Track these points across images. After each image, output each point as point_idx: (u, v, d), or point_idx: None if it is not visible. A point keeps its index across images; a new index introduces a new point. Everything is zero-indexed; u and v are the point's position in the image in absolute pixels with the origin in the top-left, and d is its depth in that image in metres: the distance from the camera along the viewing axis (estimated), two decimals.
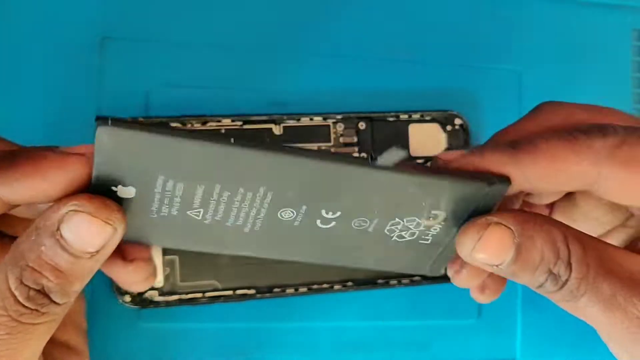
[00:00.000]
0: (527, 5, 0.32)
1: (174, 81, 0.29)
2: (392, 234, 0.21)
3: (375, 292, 0.30)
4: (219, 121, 0.28)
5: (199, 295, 0.28)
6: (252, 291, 0.29)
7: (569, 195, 0.23)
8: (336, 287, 0.29)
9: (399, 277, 0.30)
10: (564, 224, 0.19)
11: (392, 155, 0.18)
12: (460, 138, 0.30)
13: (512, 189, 0.20)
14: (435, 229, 0.21)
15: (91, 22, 0.28)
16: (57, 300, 0.18)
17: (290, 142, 0.29)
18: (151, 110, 0.28)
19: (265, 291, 0.29)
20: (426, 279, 0.30)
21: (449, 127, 0.30)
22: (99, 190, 0.18)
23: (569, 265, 0.18)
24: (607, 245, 0.19)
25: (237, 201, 0.19)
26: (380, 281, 0.30)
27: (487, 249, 0.19)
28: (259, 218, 0.19)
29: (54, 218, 0.17)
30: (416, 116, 0.30)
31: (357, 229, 0.20)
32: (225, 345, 0.29)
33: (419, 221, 0.20)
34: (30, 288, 0.17)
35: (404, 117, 0.30)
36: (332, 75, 0.30)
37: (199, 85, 0.29)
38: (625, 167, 0.19)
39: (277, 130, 0.29)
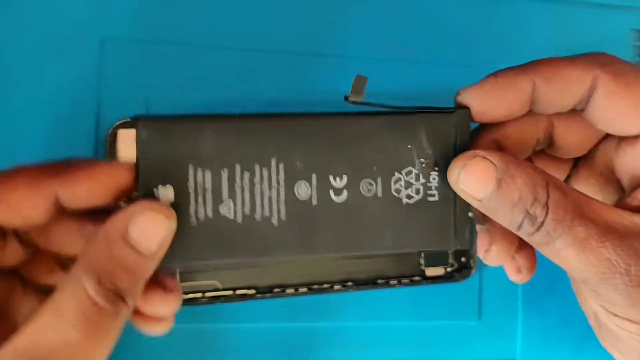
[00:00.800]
0: (526, 5, 0.32)
1: (174, 82, 0.29)
2: (400, 194, 0.22)
3: (375, 292, 0.30)
4: None
5: (199, 295, 0.28)
6: (252, 291, 0.29)
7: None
8: (336, 287, 0.29)
9: (399, 276, 0.30)
10: (550, 174, 0.20)
11: (358, 84, 0.21)
12: None
13: (524, 98, 0.21)
14: (435, 179, 0.22)
15: (91, 23, 0.28)
16: (128, 301, 0.19)
17: None
18: (152, 111, 0.29)
19: (266, 291, 0.29)
20: (426, 279, 0.30)
21: None
22: (144, 192, 0.20)
23: (546, 207, 0.19)
24: (589, 197, 0.20)
25: (257, 182, 0.21)
26: (380, 281, 0.30)
27: (470, 179, 0.20)
28: (281, 202, 0.21)
29: (123, 223, 0.19)
30: None
31: (368, 196, 0.22)
32: (225, 344, 0.29)
33: (416, 171, 0.22)
34: (108, 290, 0.19)
35: None
36: (333, 75, 0.30)
37: (199, 86, 0.29)
38: (614, 78, 0.20)
39: None
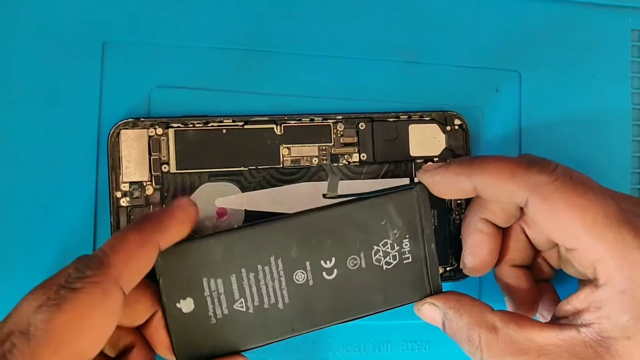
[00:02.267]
0: (527, 5, 0.32)
1: (175, 82, 0.29)
2: (381, 263, 0.26)
3: None
4: (221, 122, 0.29)
5: None
6: None
7: None
8: None
9: None
10: (487, 314, 0.24)
11: (332, 183, 0.26)
12: (459, 138, 0.30)
13: (468, 193, 0.25)
14: (407, 245, 0.26)
15: (93, 25, 0.29)
16: None
17: (291, 142, 0.29)
18: (153, 111, 0.29)
19: None
20: None
21: (448, 127, 0.30)
22: (171, 309, 0.25)
23: (479, 347, 0.24)
24: (525, 324, 0.23)
25: (261, 278, 0.25)
26: None
27: (424, 319, 0.26)
28: (283, 288, 0.25)
29: None
30: (416, 116, 0.30)
31: (354, 269, 0.26)
32: None
33: (391, 242, 0.26)
34: None
35: (404, 117, 0.30)
36: (333, 76, 0.30)
37: (201, 86, 0.29)
38: (542, 201, 0.23)
39: (278, 130, 0.29)
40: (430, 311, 0.26)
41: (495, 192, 0.24)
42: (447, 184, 0.25)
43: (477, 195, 0.25)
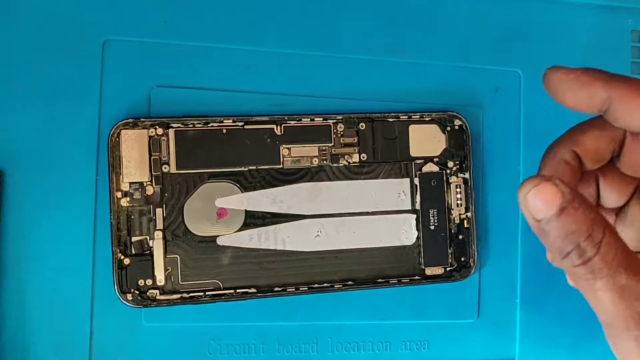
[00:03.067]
0: (527, 5, 0.32)
1: (175, 82, 0.29)
2: None
3: (375, 292, 0.30)
4: (221, 122, 0.29)
5: (201, 294, 0.29)
6: (253, 290, 0.29)
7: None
8: (336, 286, 0.30)
9: (399, 276, 0.30)
10: (611, 225, 0.21)
11: None
12: (460, 138, 0.30)
13: (594, 104, 0.22)
14: None
15: (94, 24, 0.29)
16: None
17: (291, 142, 0.29)
18: (153, 111, 0.29)
19: (266, 290, 0.29)
20: (426, 278, 0.30)
21: (448, 127, 0.30)
22: None
23: (598, 245, 0.20)
24: (634, 252, 0.21)
25: None
26: (380, 280, 0.30)
27: (536, 199, 0.21)
28: None
29: None
30: (416, 117, 0.30)
31: None
32: (226, 343, 0.30)
33: None
34: None
35: (404, 117, 0.30)
36: (333, 76, 0.30)
37: (201, 86, 0.29)
38: None
39: (278, 130, 0.29)
40: (550, 191, 0.20)
41: (631, 109, 0.22)
42: (579, 87, 0.23)
43: (601, 111, 0.23)
